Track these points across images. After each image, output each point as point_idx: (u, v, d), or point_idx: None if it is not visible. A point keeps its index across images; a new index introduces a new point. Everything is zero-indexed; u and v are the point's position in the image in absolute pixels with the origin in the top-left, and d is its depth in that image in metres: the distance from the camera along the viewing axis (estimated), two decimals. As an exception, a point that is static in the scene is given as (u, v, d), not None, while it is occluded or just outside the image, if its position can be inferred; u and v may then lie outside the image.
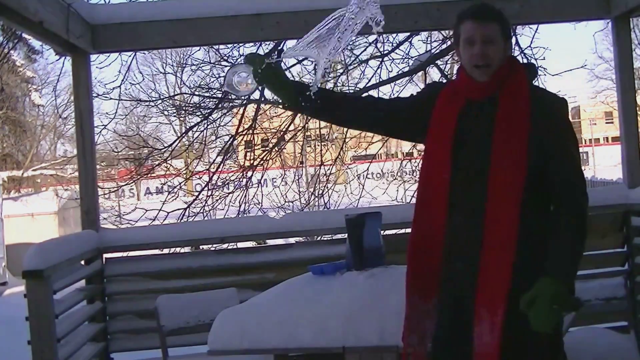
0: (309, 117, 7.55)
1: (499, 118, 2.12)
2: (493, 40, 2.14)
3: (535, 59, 6.31)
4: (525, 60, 6.29)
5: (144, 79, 13.14)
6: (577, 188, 2.14)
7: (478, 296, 2.07)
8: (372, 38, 6.76)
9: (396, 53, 6.81)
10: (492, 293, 2.05)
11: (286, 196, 7.69)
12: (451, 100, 2.24)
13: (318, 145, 8.21)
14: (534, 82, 2.34)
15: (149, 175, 8.45)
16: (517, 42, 6.37)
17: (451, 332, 2.19)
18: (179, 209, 7.00)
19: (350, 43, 7.01)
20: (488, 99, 2.17)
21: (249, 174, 7.33)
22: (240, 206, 7.18)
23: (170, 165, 8.29)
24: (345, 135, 8.05)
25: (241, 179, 7.36)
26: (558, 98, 2.22)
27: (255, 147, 7.87)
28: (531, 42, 6.28)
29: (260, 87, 2.22)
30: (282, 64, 2.29)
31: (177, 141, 7.92)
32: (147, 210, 6.93)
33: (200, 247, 5.24)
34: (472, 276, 2.10)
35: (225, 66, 7.37)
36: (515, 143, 2.09)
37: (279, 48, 6.15)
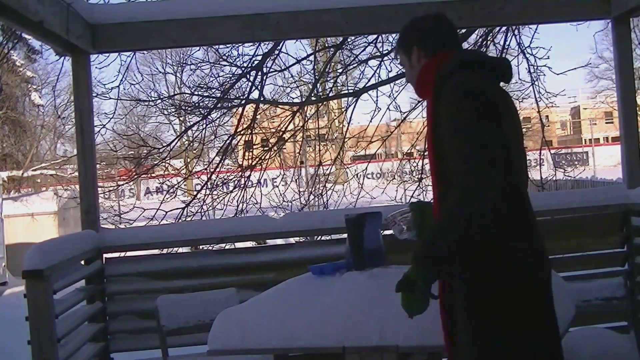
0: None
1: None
2: (403, 65, 2.34)
3: (536, 58, 6.33)
4: (527, 60, 6.34)
5: (143, 79, 13.13)
6: (457, 176, 1.92)
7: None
8: (371, 38, 6.76)
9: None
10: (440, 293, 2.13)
11: (285, 196, 7.69)
12: None
13: (317, 145, 8.23)
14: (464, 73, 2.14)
15: (149, 175, 8.45)
16: (517, 42, 6.39)
17: None
18: (177, 209, 7.01)
19: (350, 42, 7.03)
20: None
21: (248, 173, 7.34)
22: (238, 206, 7.19)
23: (169, 164, 8.29)
24: (345, 135, 8.05)
25: (240, 179, 7.37)
26: (452, 83, 2.06)
27: (255, 147, 7.87)
28: (531, 42, 6.30)
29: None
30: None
31: (176, 140, 7.92)
32: (145, 210, 6.94)
33: (200, 247, 5.24)
34: None
35: (225, 66, 7.38)
36: (429, 143, 2.15)
37: None
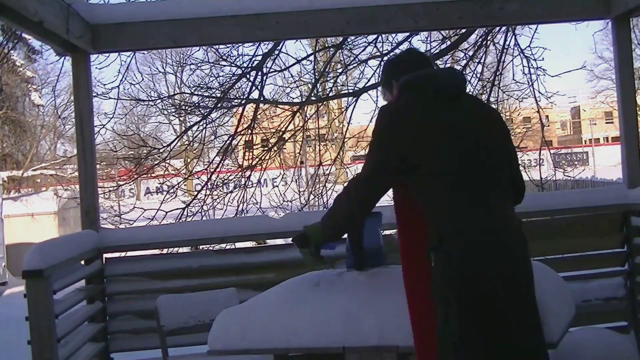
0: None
1: None
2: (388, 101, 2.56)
3: (535, 59, 6.33)
4: (527, 60, 6.34)
5: (143, 79, 13.11)
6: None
7: None
8: (371, 38, 6.76)
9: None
10: None
11: (285, 196, 7.69)
12: None
13: (317, 145, 8.22)
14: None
15: (149, 175, 8.45)
16: (517, 43, 6.39)
17: None
18: (177, 209, 7.00)
19: (350, 42, 7.03)
20: None
21: (248, 173, 7.33)
22: (238, 206, 7.18)
23: (169, 165, 8.28)
24: (345, 135, 8.05)
25: (240, 179, 7.36)
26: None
27: (255, 147, 7.86)
28: (530, 42, 6.30)
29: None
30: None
31: (176, 140, 7.91)
32: (145, 210, 6.94)
33: (200, 247, 5.24)
34: None
35: (225, 66, 7.38)
36: None
37: None
